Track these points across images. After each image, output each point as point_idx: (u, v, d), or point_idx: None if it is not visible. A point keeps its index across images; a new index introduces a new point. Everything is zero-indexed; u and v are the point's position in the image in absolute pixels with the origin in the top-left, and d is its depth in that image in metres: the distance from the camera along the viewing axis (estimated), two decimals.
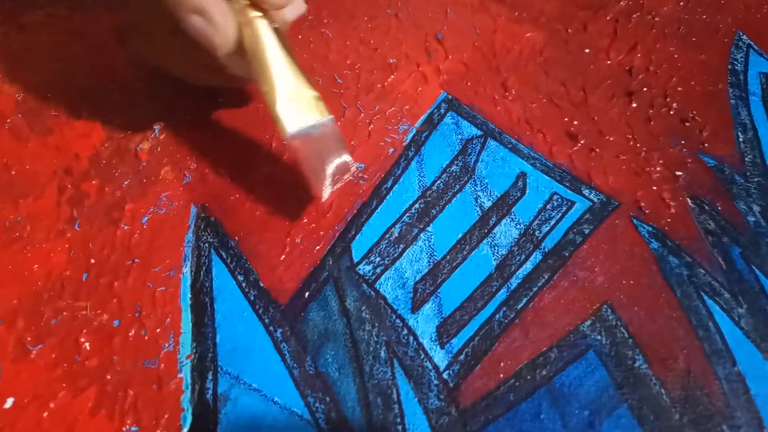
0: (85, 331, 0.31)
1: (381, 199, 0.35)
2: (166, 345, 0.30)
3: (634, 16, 0.45)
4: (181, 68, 0.37)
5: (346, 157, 0.34)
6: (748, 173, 0.36)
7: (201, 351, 0.30)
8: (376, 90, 0.40)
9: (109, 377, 0.29)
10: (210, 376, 0.29)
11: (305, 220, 0.34)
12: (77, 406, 0.29)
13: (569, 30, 0.44)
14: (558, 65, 0.41)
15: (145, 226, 0.34)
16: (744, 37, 0.43)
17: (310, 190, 0.34)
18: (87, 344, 0.30)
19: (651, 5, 0.45)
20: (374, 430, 0.28)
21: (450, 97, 0.40)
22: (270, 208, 0.35)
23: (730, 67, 0.42)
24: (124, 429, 0.28)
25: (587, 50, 0.42)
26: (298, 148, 0.32)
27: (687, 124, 0.38)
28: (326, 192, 0.34)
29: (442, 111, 0.39)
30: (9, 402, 0.29)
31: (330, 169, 0.33)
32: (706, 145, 0.37)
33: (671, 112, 0.39)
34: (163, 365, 0.30)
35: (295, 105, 0.31)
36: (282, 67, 0.31)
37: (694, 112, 0.39)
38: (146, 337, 0.30)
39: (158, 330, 0.31)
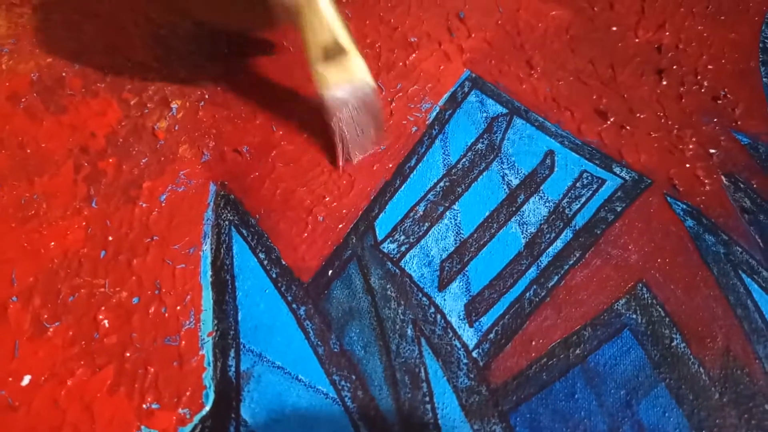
0: (103, 308, 0.30)
1: (405, 177, 0.34)
2: (187, 322, 0.30)
3: None
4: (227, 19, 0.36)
5: (377, 129, 0.34)
6: None
7: (223, 328, 0.29)
8: (398, 68, 0.40)
9: (128, 355, 0.29)
10: (232, 354, 0.28)
11: (327, 199, 0.34)
12: (95, 384, 0.28)
13: (595, 8, 0.43)
14: (585, 43, 0.41)
15: (163, 204, 0.34)
16: None
17: (336, 157, 0.34)
18: (105, 322, 0.30)
19: None
20: (402, 409, 0.27)
21: (474, 75, 0.39)
22: (290, 187, 0.34)
23: (761, 45, 0.41)
24: (144, 407, 0.27)
25: (614, 28, 0.41)
26: (329, 109, 0.32)
27: (719, 101, 0.38)
28: (347, 161, 0.34)
29: (466, 89, 0.38)
30: (26, 380, 0.29)
31: (358, 140, 0.33)
32: (739, 123, 0.36)
33: (702, 90, 0.38)
34: (184, 342, 0.29)
35: (335, 65, 0.31)
36: (324, 21, 0.30)
37: (726, 90, 0.38)
38: (166, 315, 0.30)
39: (178, 307, 0.30)
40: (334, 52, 0.31)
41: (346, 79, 0.31)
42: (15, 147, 0.36)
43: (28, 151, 0.36)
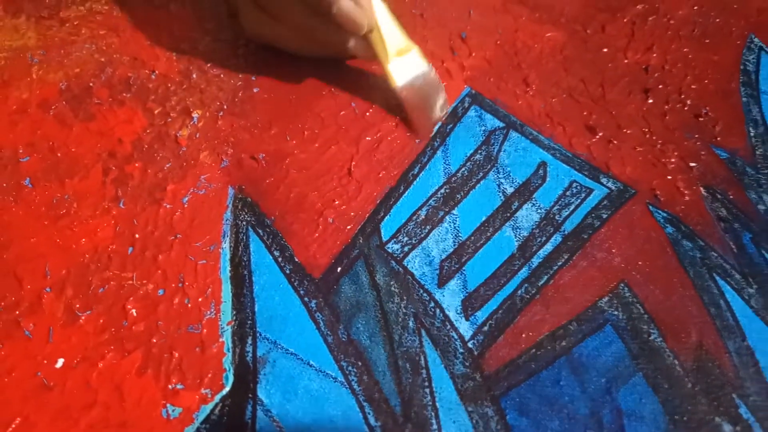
0: (131, 299, 0.33)
1: (408, 184, 0.38)
2: (208, 312, 0.33)
3: (651, 18, 0.48)
4: (299, 45, 0.41)
5: (443, 97, 0.41)
6: (759, 165, 0.38)
7: (241, 318, 0.32)
8: None
9: (154, 341, 0.32)
10: (249, 341, 0.32)
11: (337, 202, 0.37)
12: (124, 367, 0.31)
13: (588, 30, 0.47)
14: (577, 63, 0.44)
15: (186, 206, 0.37)
16: (756, 39, 0.46)
17: (415, 132, 0.40)
18: (133, 311, 0.33)
19: (667, 8, 0.48)
20: (404, 392, 0.30)
21: (474, 91, 0.43)
22: (303, 191, 0.38)
23: (742, 67, 0.44)
24: (169, 387, 0.31)
25: (605, 50, 0.45)
26: (405, 97, 0.39)
27: (701, 119, 0.41)
28: (432, 128, 0.40)
29: (466, 105, 0.42)
30: (60, 362, 0.32)
31: (434, 108, 0.40)
32: (718, 138, 0.40)
33: (686, 108, 0.42)
34: (205, 330, 0.32)
35: (401, 60, 0.38)
36: (390, 29, 0.38)
37: (708, 108, 0.42)
38: (189, 305, 0.33)
39: (200, 299, 0.33)
40: (400, 52, 0.38)
41: (413, 70, 0.39)
42: (46, 151, 0.40)
43: (59, 154, 0.40)
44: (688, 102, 0.42)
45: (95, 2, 0.50)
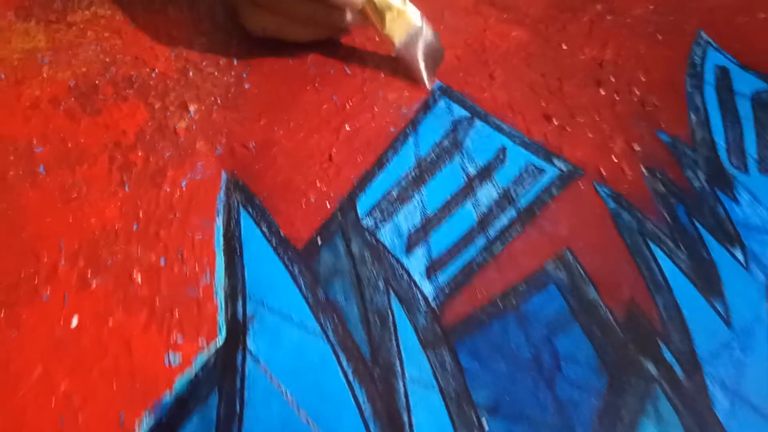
0: (136, 268, 0.39)
1: (382, 167, 0.44)
2: (204, 278, 0.39)
3: (609, 17, 0.54)
4: (300, 32, 0.48)
5: (439, 47, 0.48)
6: (697, 148, 0.44)
7: (232, 283, 0.38)
8: (380, 80, 0.49)
9: (157, 303, 0.38)
10: (240, 302, 0.38)
11: (318, 184, 0.43)
12: (132, 324, 0.37)
13: (550, 29, 0.53)
14: (539, 59, 0.50)
15: (184, 189, 0.43)
16: (704, 34, 0.52)
17: (417, 83, 0.48)
18: (139, 277, 0.39)
19: (624, 8, 0.55)
20: (373, 342, 0.36)
21: (444, 85, 0.49)
22: (289, 175, 0.44)
23: (689, 60, 0.50)
24: (171, 339, 0.37)
25: (565, 47, 0.51)
26: (403, 56, 0.46)
27: (648, 108, 0.47)
28: (429, 80, 0.48)
29: (437, 97, 0.48)
30: (74, 322, 0.38)
31: (429, 60, 0.46)
32: (662, 125, 0.46)
33: (634, 99, 0.48)
34: (201, 293, 0.38)
35: (395, 24, 0.45)
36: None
37: (655, 98, 0.47)
38: (187, 273, 0.39)
39: (197, 267, 0.39)
40: (395, 16, 0.44)
41: (406, 29, 0.45)
42: (58, 142, 0.46)
43: (69, 145, 0.46)
44: (637, 93, 0.48)
45: (99, 7, 0.56)
